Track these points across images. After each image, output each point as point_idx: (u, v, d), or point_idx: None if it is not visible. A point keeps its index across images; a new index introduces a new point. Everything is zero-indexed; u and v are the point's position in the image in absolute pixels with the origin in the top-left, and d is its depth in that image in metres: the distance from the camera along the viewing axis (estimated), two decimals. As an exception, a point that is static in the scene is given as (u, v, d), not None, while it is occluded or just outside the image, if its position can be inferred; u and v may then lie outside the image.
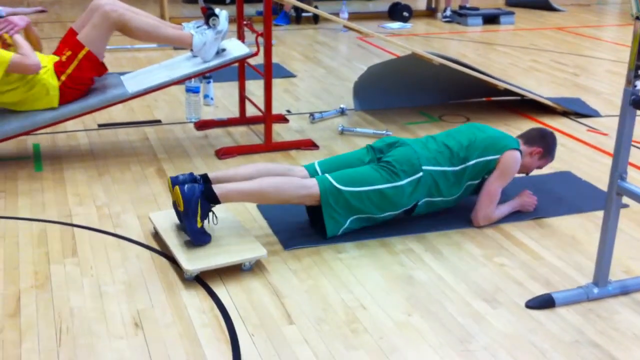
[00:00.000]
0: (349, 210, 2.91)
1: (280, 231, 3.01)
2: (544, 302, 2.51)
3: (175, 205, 2.80)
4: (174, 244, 2.76)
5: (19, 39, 3.52)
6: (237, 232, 2.86)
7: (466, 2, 8.42)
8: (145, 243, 2.91)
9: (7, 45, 3.52)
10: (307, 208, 3.05)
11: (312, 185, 2.86)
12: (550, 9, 9.31)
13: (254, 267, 2.72)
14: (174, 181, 2.81)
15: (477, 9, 8.42)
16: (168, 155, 3.88)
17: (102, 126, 4.34)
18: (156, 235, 2.96)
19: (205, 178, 2.88)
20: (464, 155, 3.04)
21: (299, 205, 2.99)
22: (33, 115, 3.57)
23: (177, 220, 2.90)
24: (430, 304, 2.51)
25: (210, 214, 2.78)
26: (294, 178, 2.91)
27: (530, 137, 3.26)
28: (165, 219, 2.97)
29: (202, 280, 2.63)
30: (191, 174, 2.87)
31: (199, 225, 2.71)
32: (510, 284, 2.65)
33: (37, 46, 3.75)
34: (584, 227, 3.13)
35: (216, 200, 2.75)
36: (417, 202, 2.99)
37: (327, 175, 2.91)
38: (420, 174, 2.94)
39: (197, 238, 2.73)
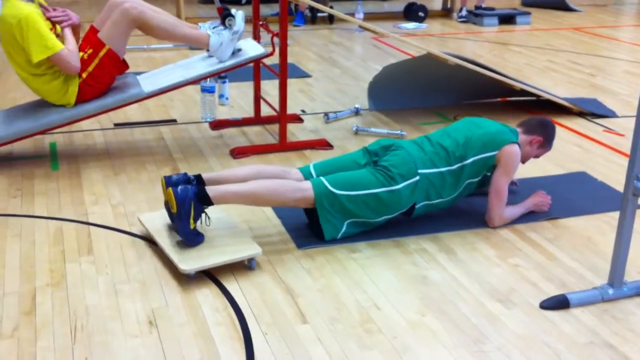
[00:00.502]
0: (344, 213, 2.88)
1: (293, 230, 3.02)
2: (558, 303, 2.50)
3: (167, 205, 2.78)
4: (167, 244, 2.75)
5: (69, 34, 3.58)
6: (232, 232, 2.85)
7: (482, 2, 8.39)
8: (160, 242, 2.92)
9: (55, 35, 3.55)
10: (305, 210, 3.03)
11: (306, 189, 2.84)
12: (567, 9, 9.26)
13: (269, 267, 2.73)
14: (168, 182, 2.79)
15: (492, 9, 8.39)
16: (183, 155, 3.90)
17: (118, 125, 4.37)
18: (148, 237, 2.95)
19: (199, 179, 2.87)
20: (460, 153, 3.00)
21: (295, 207, 2.96)
22: (49, 115, 3.61)
23: (168, 220, 2.88)
24: (444, 304, 2.51)
25: (203, 215, 2.77)
26: (288, 181, 2.88)
27: (530, 126, 3.23)
28: (156, 219, 2.94)
29: (215, 278, 2.64)
30: (185, 174, 2.85)
31: (191, 226, 2.70)
32: (525, 285, 2.64)
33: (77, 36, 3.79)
34: (599, 228, 3.11)
35: (209, 202, 2.73)
36: (414, 204, 2.97)
37: (322, 178, 2.89)
38: (417, 177, 2.92)
39: (190, 239, 2.72)
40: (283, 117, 3.94)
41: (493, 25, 8.14)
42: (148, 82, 3.84)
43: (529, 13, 8.45)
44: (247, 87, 5.00)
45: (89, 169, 3.66)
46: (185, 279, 2.63)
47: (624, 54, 6.77)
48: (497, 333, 2.35)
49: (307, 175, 3.00)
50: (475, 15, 8.26)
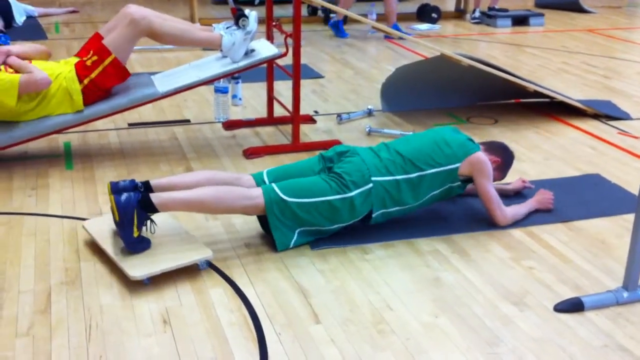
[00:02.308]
0: (296, 221, 2.82)
1: (307, 231, 3.02)
2: (572, 306, 2.49)
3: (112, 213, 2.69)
4: (114, 252, 2.70)
5: (16, 61, 3.53)
6: (180, 236, 2.81)
7: (495, 4, 8.37)
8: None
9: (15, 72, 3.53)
10: (259, 218, 2.97)
11: (256, 196, 2.76)
12: (581, 10, 9.22)
13: (282, 267, 2.74)
14: (113, 188, 2.71)
15: (506, 10, 8.36)
16: (197, 155, 3.91)
17: (132, 125, 4.39)
18: (92, 244, 2.88)
19: (146, 185, 2.80)
20: (419, 163, 2.94)
21: (246, 215, 2.91)
22: (64, 115, 3.62)
23: (112, 226, 2.81)
24: (458, 306, 2.51)
25: (149, 222, 2.72)
26: (237, 187, 2.81)
27: (492, 147, 3.23)
28: (102, 224, 2.90)
29: (230, 279, 2.65)
30: (132, 180, 2.78)
31: (135, 234, 2.65)
32: (539, 287, 2.64)
33: (44, 56, 3.77)
34: (613, 230, 3.10)
35: (154, 209, 2.68)
36: (370, 211, 2.92)
37: (273, 185, 2.82)
38: (370, 185, 2.87)
39: (134, 247, 2.67)
40: (296, 118, 3.94)
41: (506, 26, 8.12)
42: (162, 83, 3.85)
43: (542, 14, 8.42)
44: (260, 87, 5.00)
45: (103, 169, 3.68)
46: (199, 279, 2.64)
47: (638, 55, 6.73)
48: (511, 335, 2.34)
49: (259, 182, 2.93)
50: (489, 17, 8.24)
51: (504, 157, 3.22)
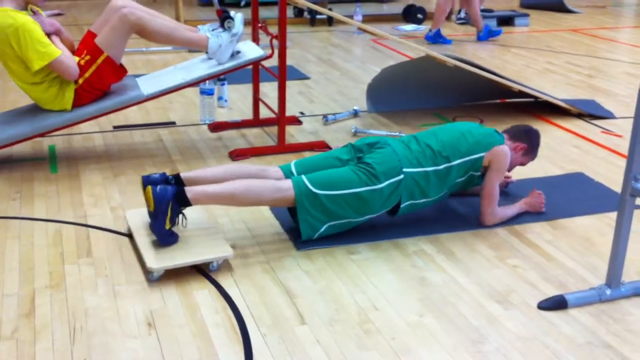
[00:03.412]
0: (326, 215, 2.85)
1: (292, 232, 3.02)
2: (556, 304, 2.50)
3: (147, 204, 2.76)
4: (143, 242, 2.76)
5: (59, 42, 3.57)
6: (207, 232, 2.85)
7: (480, 4, 8.39)
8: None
9: None
10: (288, 209, 3.00)
11: (287, 188, 2.80)
12: (565, 10, 9.27)
13: (268, 268, 2.74)
14: (146, 181, 2.78)
15: (491, 10, 8.38)
16: (182, 157, 3.90)
17: (117, 128, 4.38)
18: (129, 234, 2.97)
19: (177, 178, 2.85)
20: (447, 154, 2.98)
21: (275, 207, 2.95)
22: (49, 118, 3.61)
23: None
24: (443, 305, 2.51)
25: (180, 216, 2.76)
26: (267, 180, 2.84)
27: (515, 133, 3.24)
28: (140, 217, 2.96)
29: (214, 280, 2.65)
30: (163, 173, 2.84)
31: (167, 227, 2.69)
32: (523, 286, 2.65)
33: (71, 49, 3.78)
34: (597, 228, 3.12)
35: (187, 203, 2.72)
36: (399, 202, 2.95)
37: (302, 177, 2.84)
38: (401, 176, 2.89)
39: (163, 239, 2.72)
40: (282, 119, 3.95)
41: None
42: (147, 85, 3.84)
43: (527, 15, 8.46)
44: (246, 89, 5.00)
45: (88, 171, 3.67)
46: (184, 281, 2.64)
47: (622, 55, 6.78)
48: (496, 334, 2.35)
49: (287, 174, 2.96)
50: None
51: (529, 141, 3.22)
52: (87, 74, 3.57)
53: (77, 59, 3.61)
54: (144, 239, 2.80)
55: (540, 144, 3.30)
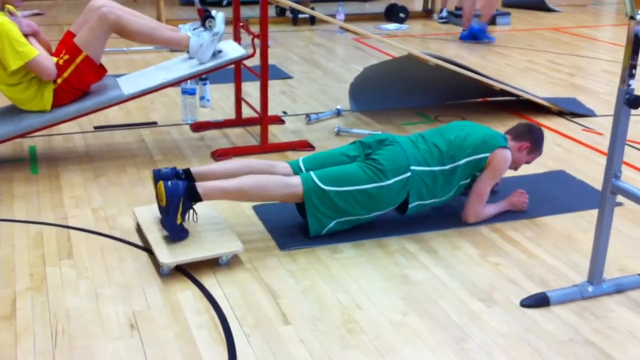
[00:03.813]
0: (335, 211, 2.89)
1: (276, 232, 3.02)
2: (538, 301, 2.52)
3: (158, 198, 2.79)
4: (154, 238, 2.79)
5: (36, 42, 3.54)
6: (217, 227, 2.88)
7: (462, 3, 8.42)
8: (141, 245, 2.91)
9: None
10: (296, 205, 3.03)
11: (296, 184, 2.84)
12: (546, 9, 9.32)
13: (251, 268, 2.73)
14: (157, 175, 2.82)
15: (473, 9, 8.42)
16: (164, 157, 3.88)
17: (98, 128, 4.35)
18: (139, 230, 2.98)
19: (187, 173, 2.88)
20: (452, 153, 3.01)
21: (284, 202, 2.98)
22: (28, 118, 3.58)
23: (159, 215, 2.91)
24: (426, 304, 2.52)
25: (191, 211, 2.79)
26: (277, 176, 2.88)
27: (518, 133, 3.26)
28: (149, 213, 2.99)
29: (198, 281, 2.63)
30: (174, 168, 2.87)
31: (178, 221, 2.72)
32: (506, 283, 2.66)
33: (48, 51, 3.74)
34: (579, 225, 3.14)
35: (198, 198, 2.75)
36: (407, 199, 2.97)
37: (311, 173, 2.89)
38: (408, 174, 2.92)
39: (175, 234, 2.75)
40: (264, 119, 3.94)
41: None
42: (128, 85, 3.82)
43: (508, 13, 8.50)
44: (228, 88, 4.99)
45: (69, 172, 3.64)
46: (167, 282, 2.63)
47: (602, 53, 6.83)
48: (479, 331, 2.36)
49: (296, 170, 3.00)
50: (456, 16, 8.29)
51: (531, 139, 3.24)
52: (65, 74, 3.54)
53: (55, 59, 3.58)
54: (154, 235, 2.81)
55: (543, 139, 3.31)
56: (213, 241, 2.78)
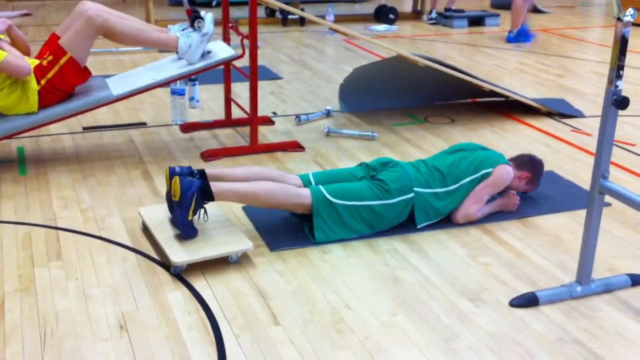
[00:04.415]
0: (340, 225, 2.95)
1: (266, 233, 3.02)
2: (527, 301, 2.53)
3: (169, 195, 2.84)
4: (163, 237, 2.80)
5: (4, 45, 3.50)
6: (224, 226, 2.90)
7: (451, 4, 8.46)
8: (130, 245, 2.90)
9: None
10: (298, 215, 3.06)
11: (305, 195, 2.91)
12: (535, 10, 9.36)
13: (241, 269, 2.73)
14: (172, 172, 2.85)
15: (462, 11, 8.46)
16: (153, 158, 3.87)
17: (87, 129, 4.33)
18: (145, 230, 2.99)
19: (202, 173, 2.92)
20: (455, 174, 3.10)
21: (290, 211, 3.03)
22: (16, 119, 3.56)
23: (165, 215, 2.93)
24: (416, 304, 2.52)
25: (202, 210, 2.82)
26: (288, 186, 2.95)
27: (520, 162, 3.34)
28: (154, 213, 3.00)
29: (187, 281, 2.63)
30: (189, 167, 2.91)
31: (190, 217, 2.75)
32: (495, 283, 2.67)
33: (25, 50, 3.72)
34: (567, 226, 3.15)
35: (211, 198, 2.79)
36: (411, 217, 3.04)
37: (320, 186, 2.97)
38: (412, 194, 3.00)
39: (186, 231, 2.77)
40: (254, 120, 3.93)
41: (463, 27, 8.21)
42: (117, 85, 3.81)
43: (498, 15, 8.54)
44: (218, 89, 4.98)
45: (57, 173, 3.62)
46: (156, 283, 2.62)
47: (591, 54, 6.87)
48: (468, 331, 2.37)
49: (306, 183, 3.08)
50: (445, 17, 8.32)
51: (532, 170, 3.32)
52: (49, 75, 3.52)
53: (36, 62, 3.56)
54: (163, 234, 2.82)
55: (543, 173, 3.38)
56: (222, 240, 2.80)
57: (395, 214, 3.01)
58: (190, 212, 2.75)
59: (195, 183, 2.76)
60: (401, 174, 3.04)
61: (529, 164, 3.33)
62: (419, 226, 3.06)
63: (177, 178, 2.75)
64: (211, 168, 3.02)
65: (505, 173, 3.14)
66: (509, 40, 7.35)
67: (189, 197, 2.74)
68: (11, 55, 3.42)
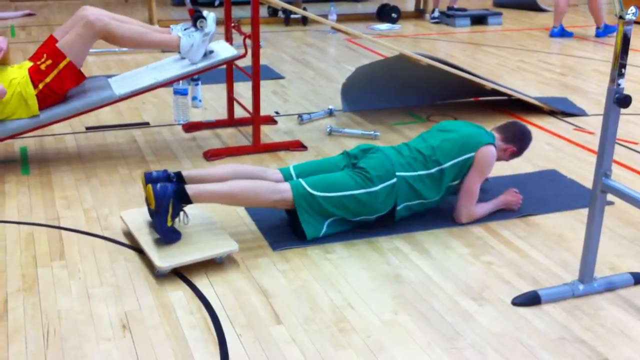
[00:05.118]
0: (323, 214, 2.92)
1: (268, 232, 3.02)
2: (530, 300, 2.53)
3: (147, 202, 2.80)
4: (146, 241, 2.78)
5: None
6: (209, 228, 2.88)
7: (454, 3, 8.46)
8: (133, 245, 2.91)
9: None
10: (286, 210, 3.04)
11: (285, 190, 2.86)
12: (538, 9, 9.36)
13: (243, 268, 2.73)
14: (148, 178, 2.82)
15: (464, 9, 8.45)
16: (156, 158, 3.88)
17: (90, 129, 4.34)
18: (128, 234, 2.97)
19: (179, 176, 2.88)
20: (437, 157, 3.04)
21: (274, 208, 2.99)
22: (19, 120, 3.56)
23: (149, 218, 2.90)
24: (418, 303, 2.52)
25: (182, 213, 2.79)
26: (267, 182, 2.90)
27: (509, 135, 3.26)
28: (137, 216, 2.97)
29: (189, 281, 2.63)
30: (165, 171, 2.87)
31: (169, 224, 2.72)
32: (497, 282, 2.67)
33: (4, 60, 3.69)
34: (570, 224, 3.15)
35: (188, 201, 2.75)
36: (394, 206, 2.99)
37: (300, 180, 2.91)
38: (394, 180, 2.95)
39: (167, 236, 2.74)
40: (256, 119, 3.94)
41: (465, 25, 8.21)
42: (120, 85, 3.81)
43: (500, 14, 8.53)
44: (220, 89, 4.99)
45: (60, 173, 3.63)
46: (158, 282, 2.62)
47: (593, 53, 6.86)
48: (471, 330, 2.37)
49: (287, 177, 3.02)
50: (448, 16, 8.32)
51: (520, 145, 3.27)
52: (47, 79, 3.51)
53: (31, 63, 3.56)
54: (146, 238, 2.81)
55: (529, 145, 3.34)
56: (207, 242, 2.78)
57: (380, 201, 2.94)
58: (169, 218, 2.71)
59: (169, 188, 2.71)
60: (382, 159, 2.98)
61: (517, 139, 3.26)
62: (398, 208, 2.99)
63: (149, 187, 2.71)
64: (189, 170, 2.98)
65: (489, 156, 3.06)
66: (598, 35, 7.53)
67: (165, 203, 2.69)
68: None
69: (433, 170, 3.03)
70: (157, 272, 2.65)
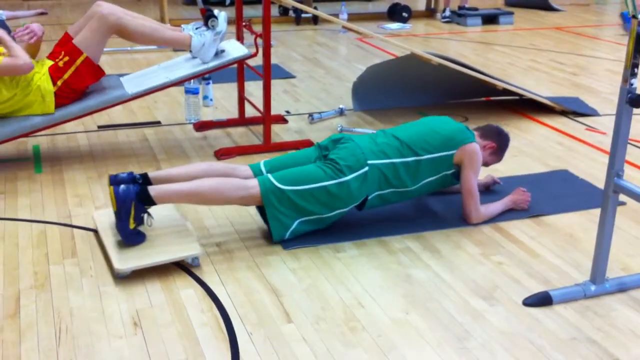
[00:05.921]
0: (295, 210, 2.86)
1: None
2: (541, 300, 2.52)
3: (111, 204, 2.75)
4: (110, 242, 2.76)
5: (7, 39, 3.48)
6: (177, 230, 2.85)
7: (465, 3, 8.43)
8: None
9: None
10: (258, 209, 3.00)
11: (252, 186, 2.80)
12: (549, 8, 9.33)
13: (254, 267, 2.74)
14: (112, 180, 2.77)
15: (476, 9, 8.43)
16: (167, 156, 3.89)
17: (101, 127, 4.36)
18: (97, 235, 2.96)
19: (145, 178, 2.84)
20: (414, 147, 2.98)
21: (244, 206, 2.95)
22: (32, 118, 3.58)
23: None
24: (428, 302, 2.52)
25: (145, 215, 2.75)
26: (233, 179, 2.84)
27: (486, 132, 3.26)
28: (108, 217, 2.93)
29: (200, 279, 2.64)
30: (130, 173, 2.82)
31: (131, 226, 2.69)
32: (508, 282, 2.66)
33: (34, 51, 3.72)
34: (581, 224, 3.14)
35: (151, 202, 2.71)
36: (367, 196, 2.96)
37: (268, 175, 2.86)
38: (366, 168, 2.90)
39: (129, 238, 2.72)
40: (267, 118, 3.94)
41: (476, 25, 8.19)
42: (131, 84, 3.83)
43: (511, 13, 8.50)
44: (231, 88, 5.00)
45: (72, 171, 3.65)
46: (170, 280, 2.63)
47: (605, 52, 6.82)
48: (481, 330, 2.36)
49: (257, 173, 2.97)
50: (459, 16, 8.30)
51: (498, 141, 3.25)
52: (65, 76, 3.54)
53: (50, 62, 3.58)
54: (110, 239, 2.78)
55: (508, 145, 3.32)
56: (171, 245, 2.74)
57: (353, 191, 2.88)
58: (131, 220, 2.68)
59: (130, 190, 2.67)
60: (352, 148, 2.93)
61: (495, 134, 3.25)
62: (370, 197, 2.95)
63: (111, 189, 2.68)
64: (158, 170, 2.93)
65: (474, 152, 3.03)
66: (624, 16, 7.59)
67: (127, 206, 2.66)
68: (5, 59, 3.38)
69: (409, 159, 2.97)
70: (116, 274, 2.63)
